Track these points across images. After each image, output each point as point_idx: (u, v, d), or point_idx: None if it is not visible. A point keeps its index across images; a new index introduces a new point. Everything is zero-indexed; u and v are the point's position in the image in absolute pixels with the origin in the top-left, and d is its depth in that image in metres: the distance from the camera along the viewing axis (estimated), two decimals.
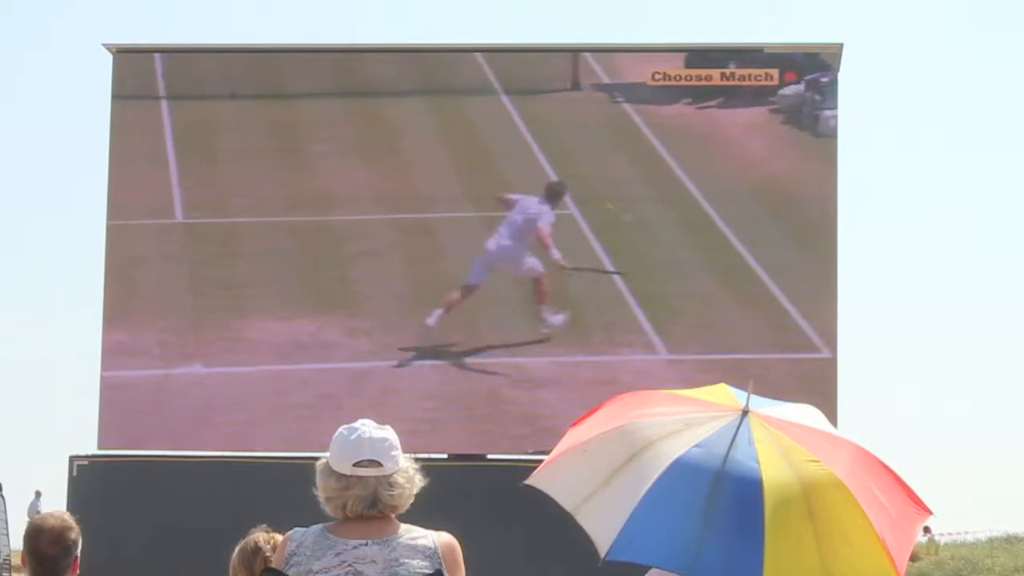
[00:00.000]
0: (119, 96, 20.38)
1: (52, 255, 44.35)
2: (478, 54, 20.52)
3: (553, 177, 19.77)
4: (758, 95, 19.60)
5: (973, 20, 47.09)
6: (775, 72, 19.59)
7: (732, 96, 19.68)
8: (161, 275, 20.18)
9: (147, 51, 20.41)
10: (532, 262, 19.28)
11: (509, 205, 19.50)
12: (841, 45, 19.70)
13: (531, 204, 19.47)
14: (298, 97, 20.73)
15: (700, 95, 19.86)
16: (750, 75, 19.61)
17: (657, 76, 19.71)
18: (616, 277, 19.35)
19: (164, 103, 20.56)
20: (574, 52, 20.29)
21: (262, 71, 20.81)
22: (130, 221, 20.25)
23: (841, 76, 19.62)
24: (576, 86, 20.19)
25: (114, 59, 20.27)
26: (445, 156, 20.29)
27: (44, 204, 45.87)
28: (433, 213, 20.07)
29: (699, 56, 20.06)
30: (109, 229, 20.08)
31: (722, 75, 19.68)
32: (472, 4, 49.27)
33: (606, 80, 20.20)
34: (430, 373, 19.35)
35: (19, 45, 48.79)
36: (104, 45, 20.36)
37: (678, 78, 19.73)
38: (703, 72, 19.73)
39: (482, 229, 19.83)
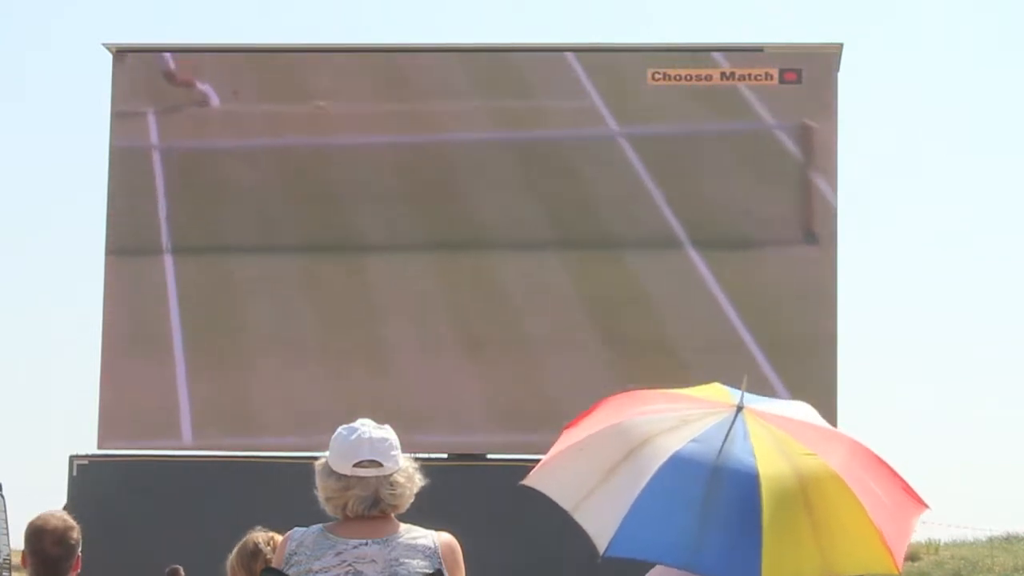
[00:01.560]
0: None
1: (51, 253, 44.34)
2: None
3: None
4: None
5: (973, 20, 47.08)
6: (775, 72, 19.59)
7: None
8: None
9: (147, 51, 20.34)
10: None
11: None
12: (841, 45, 19.72)
13: None
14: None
15: None
16: (750, 75, 19.61)
17: (657, 76, 19.70)
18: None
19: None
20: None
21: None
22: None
23: (841, 76, 19.64)
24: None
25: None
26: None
27: (44, 203, 45.86)
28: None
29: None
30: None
31: (722, 75, 19.67)
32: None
33: None
34: None
35: (19, 45, 48.79)
36: (104, 45, 20.35)
37: (678, 78, 19.72)
38: (703, 72, 19.72)
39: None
